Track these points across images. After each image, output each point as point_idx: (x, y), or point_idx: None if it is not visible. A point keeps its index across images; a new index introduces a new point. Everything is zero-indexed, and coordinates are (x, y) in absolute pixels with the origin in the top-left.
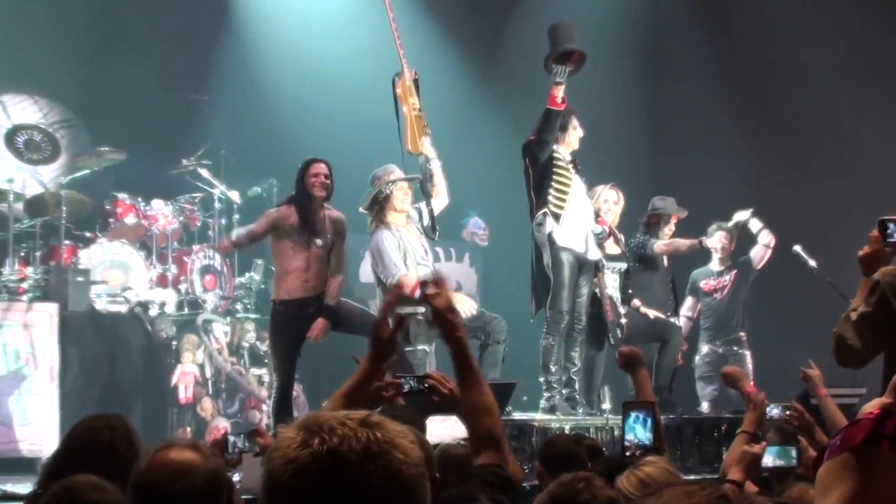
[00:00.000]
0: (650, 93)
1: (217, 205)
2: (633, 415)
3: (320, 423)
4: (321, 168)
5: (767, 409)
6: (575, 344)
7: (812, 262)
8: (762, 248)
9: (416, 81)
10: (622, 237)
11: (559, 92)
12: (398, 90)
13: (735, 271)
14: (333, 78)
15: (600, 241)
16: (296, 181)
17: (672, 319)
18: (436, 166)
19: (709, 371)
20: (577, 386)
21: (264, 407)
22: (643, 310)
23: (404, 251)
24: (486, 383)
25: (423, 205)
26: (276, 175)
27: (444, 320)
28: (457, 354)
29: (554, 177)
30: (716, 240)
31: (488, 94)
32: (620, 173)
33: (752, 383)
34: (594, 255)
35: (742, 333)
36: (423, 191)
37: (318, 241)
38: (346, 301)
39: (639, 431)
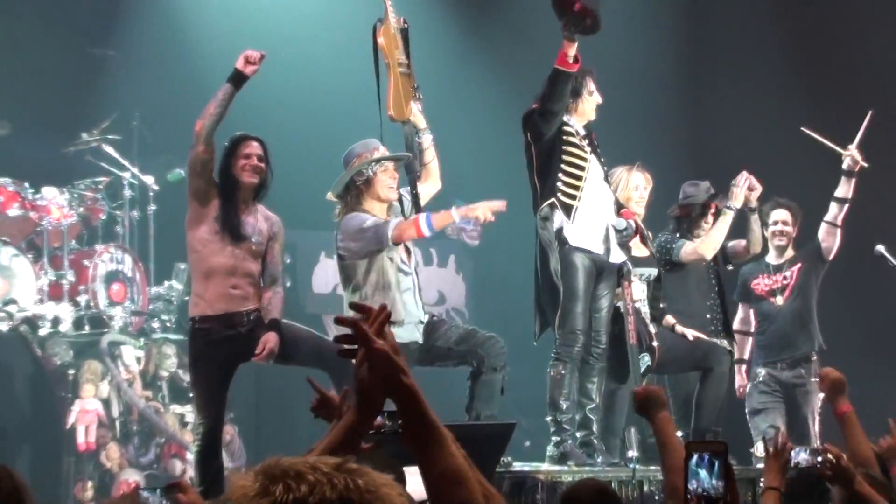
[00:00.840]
0: (689, 49)
1: (127, 192)
2: (696, 456)
3: (284, 468)
4: (253, 147)
5: (793, 453)
6: (592, 373)
7: None
8: (828, 228)
9: (404, 31)
10: (650, 234)
11: (571, 50)
12: (380, 39)
13: (800, 265)
14: (281, 27)
15: (625, 239)
16: (220, 164)
17: (717, 340)
18: (427, 140)
19: (766, 403)
20: (594, 427)
21: (188, 455)
22: (679, 329)
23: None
24: (450, 442)
25: (405, 191)
26: None
27: (382, 365)
28: (406, 408)
29: (564, 157)
30: (771, 212)
31: (480, 47)
32: (649, 151)
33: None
34: (617, 257)
35: (813, 353)
36: (408, 173)
37: (249, 238)
38: (291, 324)
39: (703, 477)
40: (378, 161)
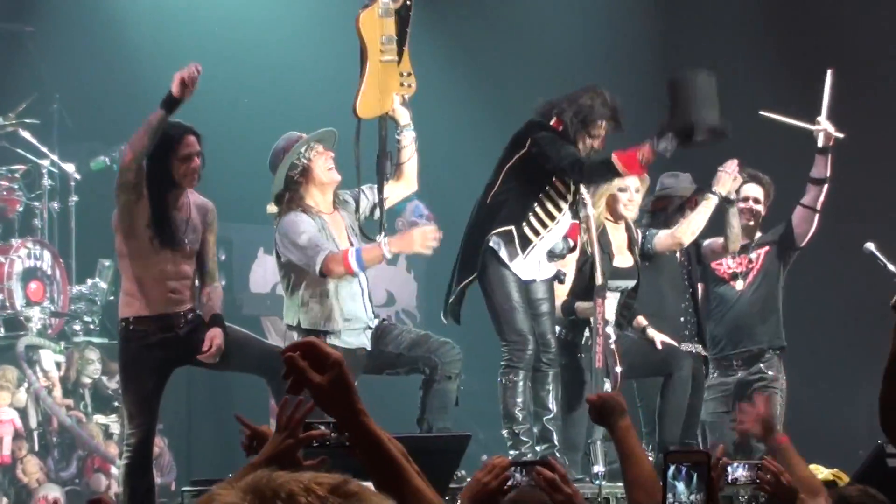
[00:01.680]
0: (663, 32)
1: (47, 182)
2: (673, 468)
3: (275, 488)
4: (193, 145)
5: (730, 468)
6: (546, 381)
7: (892, 266)
8: (804, 212)
9: (399, 12)
10: (639, 237)
11: (647, 160)
12: (360, 25)
13: (767, 248)
14: (215, 4)
15: (554, 259)
16: (154, 162)
17: (692, 346)
18: (407, 137)
19: (719, 408)
20: (555, 439)
21: (113, 469)
22: (650, 332)
23: (330, 239)
24: (413, 474)
25: (368, 189)
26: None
27: (329, 402)
28: (365, 448)
29: (547, 192)
30: (737, 187)
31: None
32: (621, 140)
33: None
34: (549, 271)
35: (774, 351)
36: (377, 172)
37: (186, 238)
38: (230, 327)
39: (681, 490)
40: (306, 144)
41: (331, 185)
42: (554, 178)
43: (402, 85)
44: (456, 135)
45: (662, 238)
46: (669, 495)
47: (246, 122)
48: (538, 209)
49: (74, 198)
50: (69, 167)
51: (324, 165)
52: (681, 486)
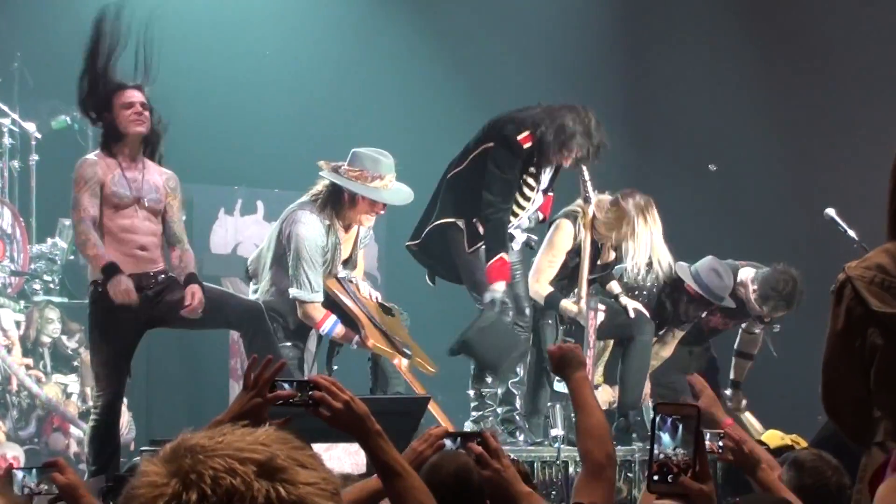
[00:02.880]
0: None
1: (7, 141)
2: (658, 418)
3: (198, 466)
4: (134, 95)
5: None
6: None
7: (851, 232)
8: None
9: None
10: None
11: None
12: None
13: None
14: None
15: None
16: (101, 119)
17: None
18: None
19: (667, 377)
20: (517, 403)
21: (72, 429)
22: (623, 300)
23: (328, 262)
24: (423, 489)
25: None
26: None
27: (353, 429)
28: (381, 466)
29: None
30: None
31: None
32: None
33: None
34: (517, 244)
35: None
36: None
37: (149, 196)
38: (205, 285)
39: (666, 442)
40: (373, 193)
41: (357, 225)
42: (524, 174)
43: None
44: (453, 136)
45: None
46: (655, 446)
47: (207, 80)
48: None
49: (35, 157)
50: (30, 126)
51: (367, 213)
52: (666, 438)
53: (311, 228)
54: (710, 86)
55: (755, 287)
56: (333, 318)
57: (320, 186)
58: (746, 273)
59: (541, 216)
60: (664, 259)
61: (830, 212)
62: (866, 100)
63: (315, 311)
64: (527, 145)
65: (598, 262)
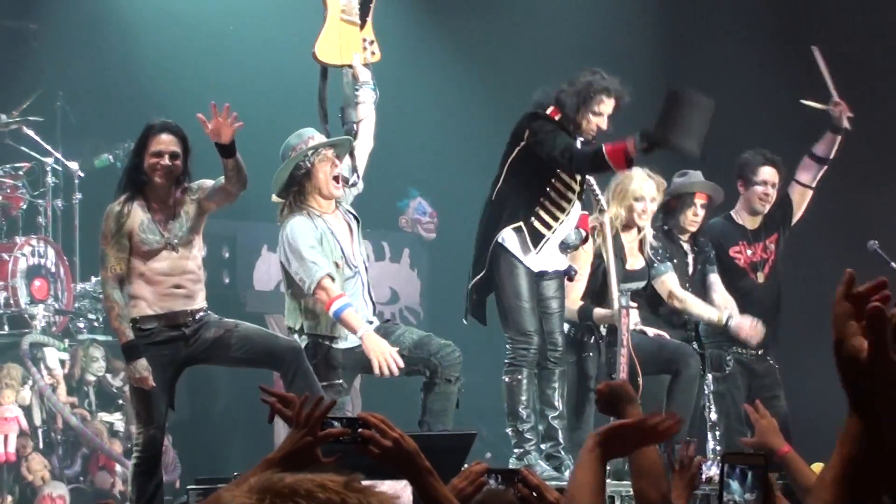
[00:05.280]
0: (669, 25)
1: (51, 180)
2: (727, 466)
3: (292, 486)
4: (165, 143)
5: (704, 467)
6: (552, 379)
7: (894, 264)
8: (802, 190)
9: None
10: (651, 239)
11: (633, 155)
12: None
13: (776, 234)
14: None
15: (567, 250)
16: (131, 156)
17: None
18: (364, 95)
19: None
20: (561, 438)
21: (117, 467)
22: (640, 327)
23: (326, 246)
24: None
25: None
26: (134, 137)
27: (403, 466)
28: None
29: (553, 181)
30: (758, 169)
31: (441, 18)
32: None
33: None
34: (561, 264)
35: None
36: (342, 119)
37: (179, 235)
38: (240, 323)
39: (735, 489)
40: (314, 149)
41: (330, 197)
42: (558, 170)
43: (364, 49)
44: (458, 132)
45: (662, 287)
46: (725, 493)
47: (249, 119)
48: (546, 202)
49: (78, 195)
50: (73, 165)
51: (328, 174)
52: (735, 485)
53: (295, 226)
54: (748, 118)
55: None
56: (346, 299)
57: (280, 201)
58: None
59: (583, 233)
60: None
61: (874, 244)
62: None
63: (326, 290)
64: (557, 117)
65: (626, 268)
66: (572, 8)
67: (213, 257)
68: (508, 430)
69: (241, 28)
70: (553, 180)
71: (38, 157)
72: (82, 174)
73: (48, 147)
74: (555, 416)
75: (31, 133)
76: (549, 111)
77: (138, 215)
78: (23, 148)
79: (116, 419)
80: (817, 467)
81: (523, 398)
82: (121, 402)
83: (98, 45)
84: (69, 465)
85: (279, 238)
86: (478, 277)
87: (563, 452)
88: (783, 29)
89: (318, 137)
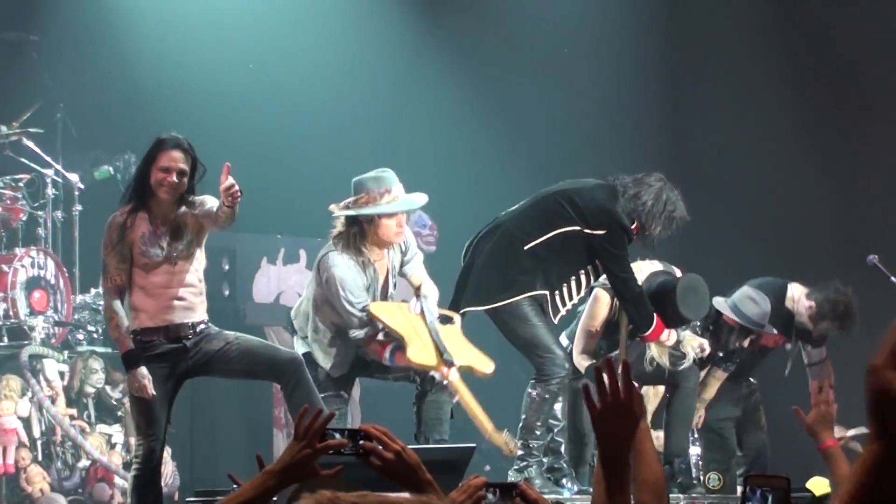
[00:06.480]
0: (668, 52)
1: (51, 191)
2: (748, 488)
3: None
4: (175, 159)
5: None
6: (558, 392)
7: (894, 279)
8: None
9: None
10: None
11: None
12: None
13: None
14: (225, 14)
15: None
16: (139, 167)
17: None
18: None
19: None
20: (563, 450)
21: (116, 479)
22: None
23: (375, 296)
24: None
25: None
26: (135, 149)
27: (405, 479)
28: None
29: (587, 270)
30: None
31: (441, 30)
32: (622, 163)
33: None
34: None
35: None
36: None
37: (179, 249)
38: (241, 335)
39: None
40: (389, 215)
41: (389, 244)
42: (597, 261)
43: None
44: (459, 144)
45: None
46: None
47: (251, 131)
48: (573, 282)
49: (78, 207)
50: (73, 176)
51: (392, 229)
52: None
53: (346, 269)
54: (755, 133)
55: (811, 304)
56: (392, 346)
57: (339, 227)
58: (798, 289)
59: None
60: None
61: (873, 258)
62: None
63: (376, 347)
64: (635, 235)
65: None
66: (570, 14)
67: (213, 270)
68: (518, 442)
69: (242, 37)
70: (589, 267)
71: (39, 169)
72: (82, 186)
73: (48, 158)
74: (559, 430)
75: (31, 144)
76: (633, 226)
77: (141, 227)
78: (23, 159)
79: (115, 431)
80: (815, 484)
81: (543, 416)
82: (120, 413)
83: (98, 57)
84: (68, 476)
85: (320, 264)
86: (483, 308)
87: (565, 465)
88: (783, 34)
89: (395, 190)
